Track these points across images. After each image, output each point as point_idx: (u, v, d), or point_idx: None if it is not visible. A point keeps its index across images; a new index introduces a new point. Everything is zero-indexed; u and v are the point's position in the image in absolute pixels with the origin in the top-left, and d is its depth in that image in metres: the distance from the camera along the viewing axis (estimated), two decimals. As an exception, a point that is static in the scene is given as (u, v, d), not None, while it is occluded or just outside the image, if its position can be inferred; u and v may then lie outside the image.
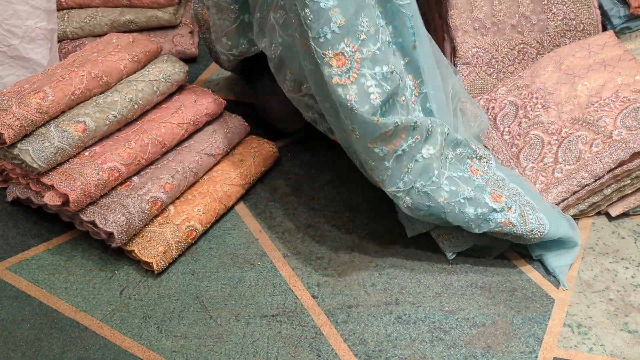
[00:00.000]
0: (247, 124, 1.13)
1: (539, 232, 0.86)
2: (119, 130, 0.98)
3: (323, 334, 0.83)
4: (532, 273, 0.91)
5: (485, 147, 1.03)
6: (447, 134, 0.89)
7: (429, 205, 0.85)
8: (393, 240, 0.98)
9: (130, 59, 1.01)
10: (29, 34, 1.12)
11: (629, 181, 0.96)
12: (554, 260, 0.91)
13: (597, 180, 0.96)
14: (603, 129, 0.98)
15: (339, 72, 0.76)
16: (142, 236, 0.92)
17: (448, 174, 0.87)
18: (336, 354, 0.81)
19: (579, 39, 1.23)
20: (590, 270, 0.92)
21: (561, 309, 0.86)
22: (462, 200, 0.85)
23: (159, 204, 0.94)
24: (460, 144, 0.92)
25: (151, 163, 0.98)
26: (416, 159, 0.85)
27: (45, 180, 0.88)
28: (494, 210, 0.86)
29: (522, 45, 1.25)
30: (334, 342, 0.82)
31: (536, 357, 0.79)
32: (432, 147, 0.86)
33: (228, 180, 1.03)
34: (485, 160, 0.95)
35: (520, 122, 1.12)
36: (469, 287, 0.89)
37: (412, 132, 0.83)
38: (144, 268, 0.92)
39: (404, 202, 0.87)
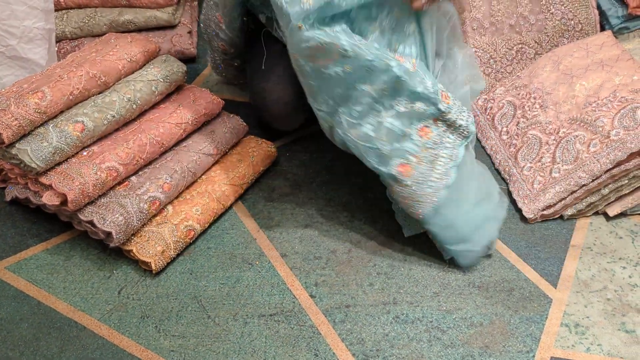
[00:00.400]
0: (245, 124, 1.13)
1: (414, 212, 0.86)
2: (117, 130, 0.98)
3: (321, 334, 0.83)
4: (529, 273, 0.91)
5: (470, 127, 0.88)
6: (403, 81, 0.80)
7: (339, 132, 0.85)
8: (391, 240, 0.98)
9: (129, 59, 1.01)
10: (27, 34, 1.12)
11: (626, 181, 0.96)
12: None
13: (594, 180, 0.96)
14: (601, 128, 0.99)
15: None
16: (141, 236, 0.92)
17: (384, 120, 0.82)
18: (334, 353, 0.81)
19: (577, 39, 1.23)
20: (588, 270, 0.92)
21: (558, 309, 0.86)
22: (371, 150, 0.83)
23: (157, 204, 0.94)
24: (422, 98, 0.82)
25: (149, 163, 0.98)
26: (347, 87, 0.81)
27: (44, 180, 0.89)
28: (393, 177, 0.84)
29: (520, 45, 1.25)
30: (331, 342, 0.82)
31: (533, 356, 0.80)
32: (370, 86, 0.80)
33: (226, 180, 1.04)
34: (457, 133, 0.85)
35: (519, 122, 1.12)
36: (467, 286, 0.89)
37: (342, 61, 0.78)
38: (142, 268, 0.92)
39: (326, 122, 0.86)
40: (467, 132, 0.86)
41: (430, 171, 0.85)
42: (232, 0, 1.04)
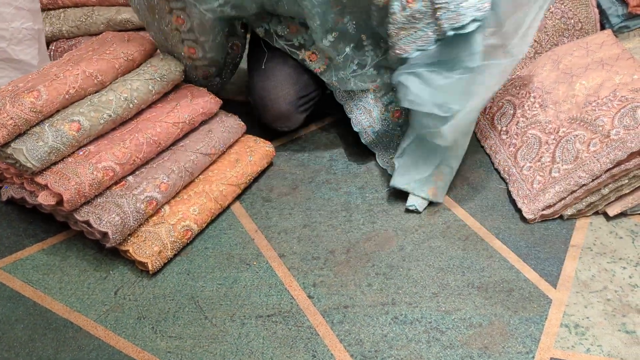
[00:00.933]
0: (243, 123, 1.12)
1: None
2: (113, 129, 0.97)
3: (319, 335, 0.82)
4: (529, 273, 0.91)
5: None
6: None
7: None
8: (389, 241, 0.97)
9: (125, 58, 1.00)
10: (16, 35, 1.11)
11: (626, 181, 0.95)
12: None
13: (594, 179, 0.95)
14: (601, 128, 0.98)
15: None
16: (137, 236, 0.92)
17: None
18: (332, 354, 0.80)
19: (577, 38, 1.23)
20: (588, 271, 0.91)
21: (558, 309, 0.85)
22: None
23: (154, 204, 0.93)
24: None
25: (146, 162, 0.98)
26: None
27: (39, 179, 0.88)
28: None
29: (519, 44, 1.24)
30: (329, 343, 0.81)
31: (533, 357, 0.79)
32: None
33: (224, 179, 1.03)
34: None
35: (518, 122, 1.12)
36: (466, 287, 0.89)
37: None
38: (139, 268, 0.92)
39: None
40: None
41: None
42: (209, 19, 1.01)
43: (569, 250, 0.95)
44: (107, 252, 0.94)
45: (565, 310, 0.85)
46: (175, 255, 0.94)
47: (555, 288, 0.88)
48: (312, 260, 0.94)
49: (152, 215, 0.94)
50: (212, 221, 1.01)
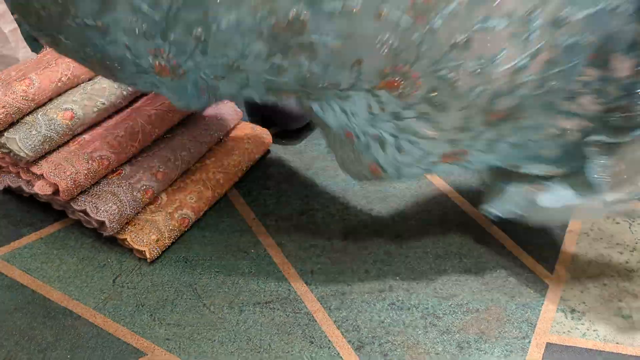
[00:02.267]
0: (239, 110, 1.12)
1: None
2: (108, 117, 0.96)
3: (316, 321, 0.83)
4: (526, 259, 0.91)
5: None
6: None
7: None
8: (387, 228, 0.97)
9: (119, 45, 0.99)
10: None
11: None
12: None
13: (592, 165, 0.95)
14: (600, 112, 0.97)
15: None
16: (135, 224, 0.92)
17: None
18: (329, 340, 0.81)
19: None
20: (585, 256, 0.91)
21: (555, 295, 0.86)
22: None
23: (151, 192, 0.93)
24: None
25: (142, 151, 0.97)
26: None
27: (35, 169, 0.87)
28: None
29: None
30: (327, 329, 0.82)
31: (529, 342, 0.80)
32: None
33: (221, 167, 1.02)
34: None
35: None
36: (463, 273, 0.89)
37: None
38: (137, 256, 0.92)
39: None
40: None
41: None
42: None
43: (566, 235, 0.95)
44: (105, 240, 0.94)
45: (562, 296, 0.85)
46: (172, 243, 0.94)
47: (552, 274, 0.89)
48: (309, 247, 0.94)
49: (149, 204, 0.94)
50: (210, 209, 1.00)
